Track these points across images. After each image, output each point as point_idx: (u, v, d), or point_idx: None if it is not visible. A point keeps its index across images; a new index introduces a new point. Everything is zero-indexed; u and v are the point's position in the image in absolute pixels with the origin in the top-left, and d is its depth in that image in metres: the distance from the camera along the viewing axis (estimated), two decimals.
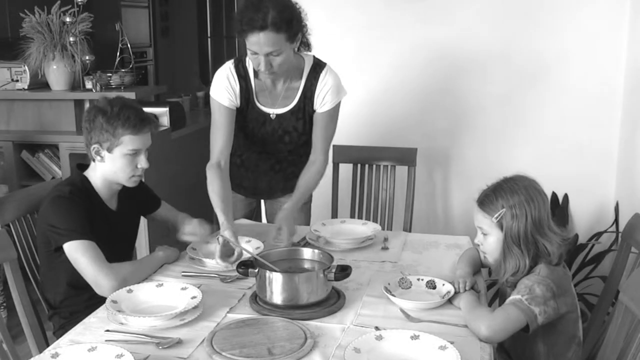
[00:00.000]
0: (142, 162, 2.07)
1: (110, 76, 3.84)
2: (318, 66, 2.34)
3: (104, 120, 1.99)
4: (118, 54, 4.00)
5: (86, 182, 2.08)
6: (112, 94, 2.36)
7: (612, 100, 3.07)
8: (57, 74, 3.70)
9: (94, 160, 2.07)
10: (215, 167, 2.29)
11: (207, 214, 2.42)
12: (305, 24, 2.24)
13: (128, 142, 2.01)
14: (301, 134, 2.42)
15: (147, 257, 2.14)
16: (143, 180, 2.23)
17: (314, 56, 2.37)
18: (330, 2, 3.29)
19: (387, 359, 1.48)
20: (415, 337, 1.53)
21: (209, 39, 7.79)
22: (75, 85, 3.79)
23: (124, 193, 2.17)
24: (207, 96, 5.08)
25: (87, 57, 3.73)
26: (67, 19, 3.62)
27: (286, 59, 2.17)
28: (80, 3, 3.63)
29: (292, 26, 2.12)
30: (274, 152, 2.49)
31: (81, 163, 2.16)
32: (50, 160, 3.70)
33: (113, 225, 2.11)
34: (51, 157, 3.71)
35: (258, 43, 2.08)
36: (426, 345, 1.50)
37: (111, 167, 2.05)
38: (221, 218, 2.13)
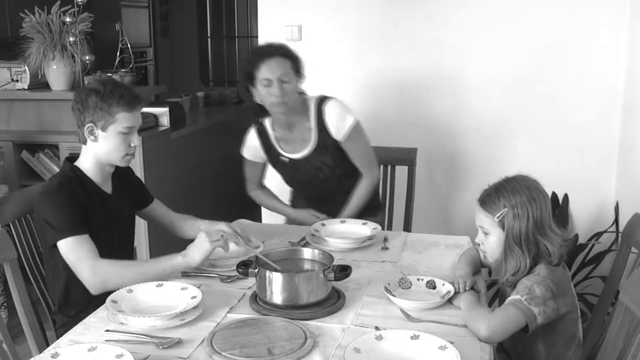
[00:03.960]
0: (135, 140, 2.07)
1: (110, 76, 3.84)
2: (320, 100, 2.53)
3: (97, 99, 1.99)
4: (118, 54, 4.00)
5: (77, 170, 2.06)
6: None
7: (612, 101, 3.07)
8: (57, 74, 3.69)
9: (85, 143, 2.05)
10: (258, 187, 2.72)
11: (206, 214, 2.41)
12: (303, 72, 2.50)
13: (123, 119, 2.01)
14: (333, 167, 2.56)
15: (157, 258, 1.97)
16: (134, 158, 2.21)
17: (316, 96, 2.57)
18: (330, 1, 3.29)
19: (387, 359, 1.48)
20: (415, 337, 1.53)
21: (209, 39, 7.80)
22: (75, 85, 3.78)
23: (118, 180, 2.17)
24: (207, 96, 5.12)
25: (87, 57, 3.73)
26: (67, 19, 3.61)
27: (294, 89, 2.42)
28: (80, 3, 3.62)
29: (296, 59, 2.44)
30: (319, 191, 2.62)
31: (70, 157, 2.16)
32: (50, 160, 3.70)
33: (110, 209, 2.10)
34: (51, 157, 3.70)
35: (270, 70, 2.37)
36: (426, 345, 1.50)
37: (105, 147, 2.03)
38: (287, 209, 2.67)
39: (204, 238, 1.91)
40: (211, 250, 1.91)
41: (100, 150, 2.04)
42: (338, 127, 2.50)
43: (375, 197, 2.76)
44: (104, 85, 2.01)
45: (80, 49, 3.68)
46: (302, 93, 2.52)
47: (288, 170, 2.61)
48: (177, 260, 1.91)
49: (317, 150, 2.53)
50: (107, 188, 2.13)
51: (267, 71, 2.37)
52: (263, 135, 2.59)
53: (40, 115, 3.75)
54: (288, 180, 2.67)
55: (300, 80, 2.47)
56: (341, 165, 2.57)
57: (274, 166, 2.65)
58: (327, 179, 2.56)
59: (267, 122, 2.59)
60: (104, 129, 2.01)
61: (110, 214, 2.09)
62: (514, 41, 3.13)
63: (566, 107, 3.13)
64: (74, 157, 2.13)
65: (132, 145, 2.07)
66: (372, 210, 2.68)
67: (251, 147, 2.62)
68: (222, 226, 2.01)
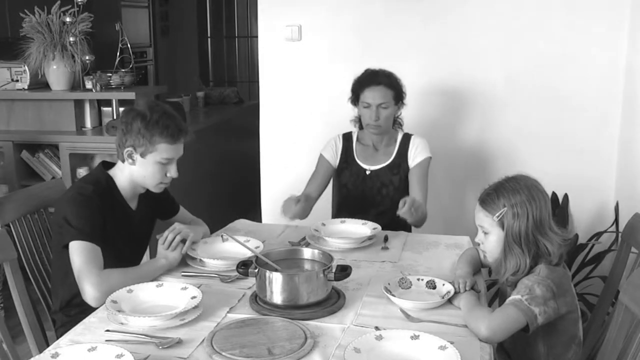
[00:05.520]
0: (172, 171, 2.08)
1: (110, 76, 3.84)
2: (408, 134, 2.79)
3: (142, 125, 1.99)
4: (118, 54, 4.00)
5: (110, 181, 2.08)
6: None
7: (612, 101, 3.06)
8: (57, 74, 3.70)
9: (123, 162, 2.06)
10: (303, 195, 2.52)
11: (206, 214, 2.42)
12: (404, 100, 2.74)
13: (163, 150, 2.01)
14: (396, 188, 2.70)
15: (147, 263, 2.07)
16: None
17: (404, 132, 2.82)
18: (330, 1, 3.29)
19: (387, 359, 1.48)
20: (415, 337, 1.53)
21: (209, 39, 7.79)
22: (75, 85, 3.79)
23: (145, 195, 2.17)
24: (207, 96, 5.11)
25: (87, 57, 3.73)
26: (67, 19, 3.62)
27: (390, 115, 2.68)
28: (80, 3, 3.63)
29: (399, 90, 2.69)
30: (369, 213, 2.64)
31: (106, 161, 2.16)
32: (50, 160, 3.70)
33: (131, 226, 2.12)
34: (51, 157, 3.71)
35: (372, 96, 2.63)
36: (426, 345, 1.50)
37: (141, 172, 2.05)
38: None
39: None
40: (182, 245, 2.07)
41: (136, 174, 2.06)
42: (415, 154, 2.72)
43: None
44: (151, 112, 2.00)
45: (80, 49, 3.68)
46: (399, 123, 2.79)
47: (356, 179, 2.72)
48: (162, 263, 2.03)
49: (391, 167, 2.71)
50: (133, 204, 2.14)
51: (369, 96, 2.64)
52: (347, 141, 2.78)
53: (40, 115, 3.76)
54: (347, 191, 2.73)
55: (398, 107, 2.72)
56: (401, 191, 2.69)
57: (340, 175, 2.75)
58: (387, 197, 2.69)
59: (354, 134, 2.79)
60: (143, 155, 2.02)
61: (130, 231, 2.11)
62: (515, 42, 3.13)
63: (566, 107, 3.13)
64: (110, 163, 2.14)
65: (168, 175, 2.08)
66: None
67: (332, 147, 2.77)
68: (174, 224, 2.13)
